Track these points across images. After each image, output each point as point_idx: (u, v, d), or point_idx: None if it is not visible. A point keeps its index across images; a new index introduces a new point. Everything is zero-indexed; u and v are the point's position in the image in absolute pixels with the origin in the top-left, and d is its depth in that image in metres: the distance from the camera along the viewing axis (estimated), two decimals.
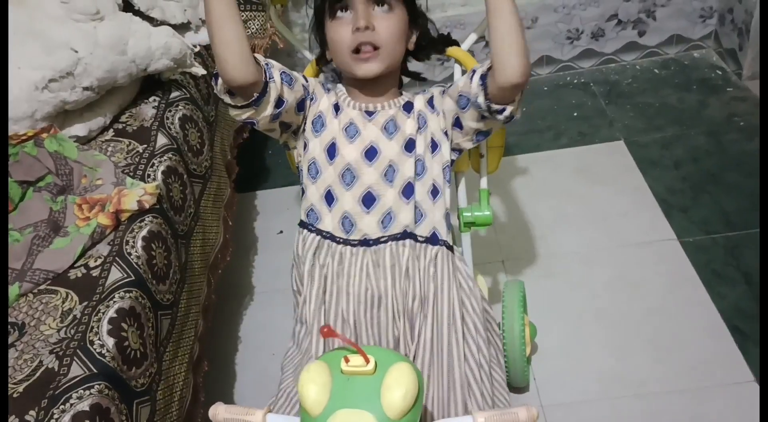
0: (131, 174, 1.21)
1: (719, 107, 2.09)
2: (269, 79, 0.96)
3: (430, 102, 1.09)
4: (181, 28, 1.53)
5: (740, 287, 1.53)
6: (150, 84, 1.43)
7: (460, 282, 1.07)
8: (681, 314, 1.50)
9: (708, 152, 1.93)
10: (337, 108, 1.08)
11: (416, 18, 1.09)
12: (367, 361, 0.72)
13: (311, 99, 1.07)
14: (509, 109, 0.98)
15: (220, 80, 0.94)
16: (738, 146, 1.93)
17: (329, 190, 1.06)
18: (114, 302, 0.98)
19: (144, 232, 1.11)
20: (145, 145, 1.28)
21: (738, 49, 2.14)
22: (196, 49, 1.47)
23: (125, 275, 1.03)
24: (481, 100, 0.98)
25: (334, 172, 1.06)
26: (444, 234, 1.07)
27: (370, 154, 1.05)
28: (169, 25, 1.47)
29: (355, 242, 1.05)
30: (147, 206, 1.13)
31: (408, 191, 1.05)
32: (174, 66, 1.36)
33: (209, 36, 0.93)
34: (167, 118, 1.35)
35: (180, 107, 1.39)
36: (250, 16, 1.67)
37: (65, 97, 1.21)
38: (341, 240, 1.05)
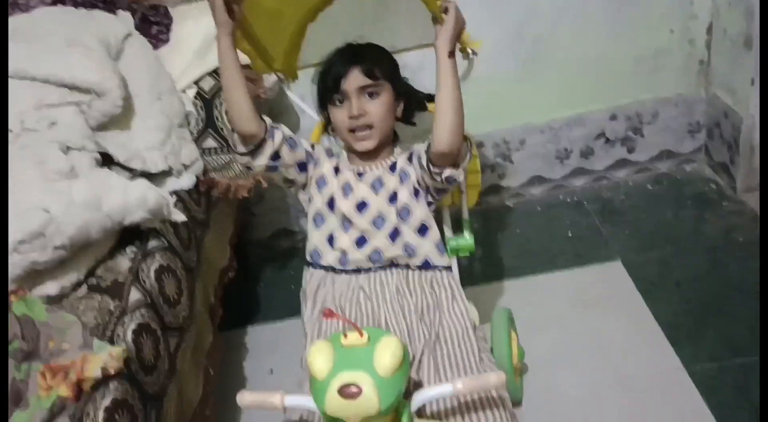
0: (100, 335, 1.16)
1: (716, 223, 2.05)
2: (269, 137, 1.27)
3: (410, 158, 1.34)
4: (163, 175, 1.54)
5: (752, 418, 1.43)
6: (128, 232, 1.41)
7: (454, 295, 1.32)
8: None
9: (709, 272, 1.87)
10: (337, 170, 1.37)
11: (400, 91, 1.37)
12: (362, 335, 0.92)
13: (315, 163, 1.37)
14: (447, 171, 1.22)
15: (234, 134, 1.28)
16: (739, 265, 1.87)
17: (331, 234, 1.36)
18: None
19: (107, 402, 1.05)
20: (117, 302, 1.24)
21: (730, 163, 2.13)
22: (174, 199, 1.46)
23: None
24: (424, 161, 1.25)
25: (335, 219, 1.35)
26: (437, 260, 1.35)
27: (361, 206, 1.34)
28: (150, 174, 1.48)
29: (350, 271, 1.35)
30: (112, 372, 1.08)
31: (394, 234, 1.33)
32: (151, 217, 1.35)
33: (223, 95, 1.30)
34: (143, 270, 1.32)
35: (157, 257, 1.37)
36: (234, 157, 1.68)
37: (36, 257, 1.20)
38: (338, 270, 1.36)
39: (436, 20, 1.16)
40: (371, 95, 1.30)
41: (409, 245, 1.33)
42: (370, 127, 1.30)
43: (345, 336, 0.92)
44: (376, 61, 1.31)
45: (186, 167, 1.59)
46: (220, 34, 1.18)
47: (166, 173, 1.55)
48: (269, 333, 1.99)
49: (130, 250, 1.38)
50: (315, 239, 1.37)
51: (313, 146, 1.38)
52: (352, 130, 1.31)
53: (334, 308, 1.30)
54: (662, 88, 2.19)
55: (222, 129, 1.67)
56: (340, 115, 1.31)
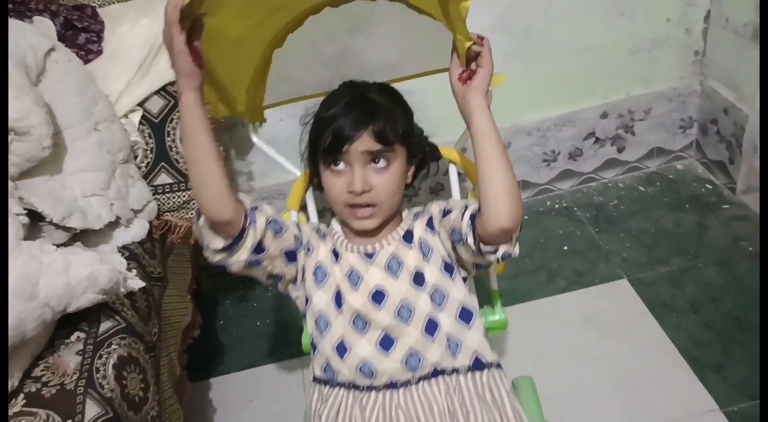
0: None
1: (720, 229, 1.90)
2: (250, 223, 0.95)
3: (430, 224, 1.07)
4: (108, 226, 1.22)
5: None
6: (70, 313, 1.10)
7: (504, 404, 1.00)
8: None
9: (724, 289, 1.71)
10: (336, 254, 1.06)
11: (414, 152, 1.08)
12: None
13: (307, 249, 1.06)
14: (502, 249, 0.93)
15: (202, 217, 0.93)
16: (754, 278, 1.72)
17: (341, 341, 1.03)
18: None
19: None
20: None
21: (728, 163, 1.98)
22: (126, 264, 1.15)
23: None
24: (470, 241, 0.95)
25: (343, 320, 1.03)
26: (489, 355, 1.04)
27: (378, 297, 1.02)
28: (93, 230, 1.16)
29: (380, 387, 1.01)
30: None
31: (431, 327, 1.02)
32: (103, 297, 1.04)
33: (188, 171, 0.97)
34: (98, 369, 1.02)
35: (114, 345, 1.06)
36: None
37: None
38: (365, 387, 1.02)
39: (456, 50, 0.94)
40: (378, 162, 1.01)
41: (452, 338, 1.03)
42: (374, 205, 1.01)
43: None
44: (391, 117, 1.02)
45: (136, 213, 1.28)
46: (183, 89, 0.87)
47: (114, 225, 1.23)
48: (238, 383, 1.71)
49: (77, 337, 1.08)
50: (324, 348, 1.04)
51: (299, 227, 1.07)
52: (351, 205, 1.02)
53: None
54: (656, 82, 2.00)
55: (178, 160, 1.35)
56: (336, 183, 1.02)
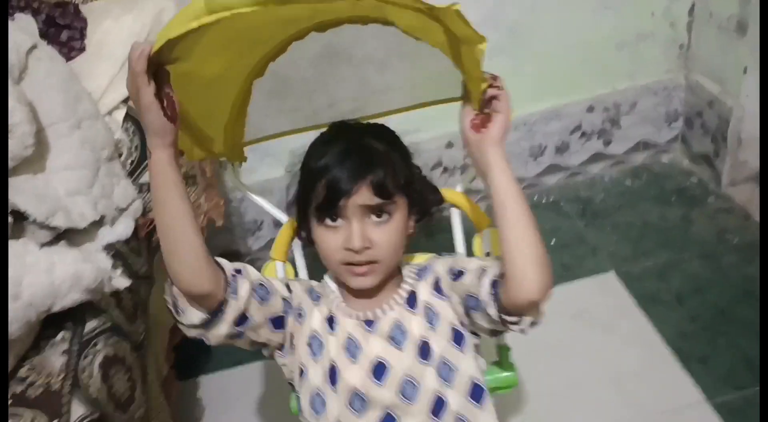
0: None
1: (706, 222, 1.91)
2: (231, 294, 0.84)
3: (437, 287, 0.95)
4: (94, 225, 1.21)
5: None
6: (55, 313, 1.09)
7: None
8: None
9: (709, 281, 1.73)
10: (331, 320, 0.94)
11: (415, 200, 0.95)
12: None
13: (298, 315, 0.93)
14: (528, 319, 0.84)
15: (174, 287, 0.83)
16: (739, 271, 1.74)
17: None
18: None
19: None
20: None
21: (714, 156, 1.99)
22: (112, 262, 1.14)
23: None
24: (492, 311, 0.84)
25: (338, 401, 0.90)
26: None
27: (379, 372, 0.90)
28: (78, 229, 1.15)
29: None
30: None
31: (438, 406, 0.89)
32: (88, 297, 1.04)
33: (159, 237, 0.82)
34: (83, 370, 1.01)
35: (100, 345, 1.06)
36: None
37: None
38: None
39: (467, 98, 0.86)
40: (379, 215, 0.89)
41: (462, 420, 0.90)
42: (374, 262, 0.90)
43: None
44: (390, 166, 0.90)
45: (121, 211, 1.27)
46: (154, 147, 0.78)
47: (97, 222, 1.22)
48: (226, 381, 1.71)
49: (62, 337, 1.06)
50: None
51: (288, 287, 0.94)
52: (348, 263, 0.90)
53: None
54: (642, 76, 2.01)
55: None
56: (331, 239, 0.90)
